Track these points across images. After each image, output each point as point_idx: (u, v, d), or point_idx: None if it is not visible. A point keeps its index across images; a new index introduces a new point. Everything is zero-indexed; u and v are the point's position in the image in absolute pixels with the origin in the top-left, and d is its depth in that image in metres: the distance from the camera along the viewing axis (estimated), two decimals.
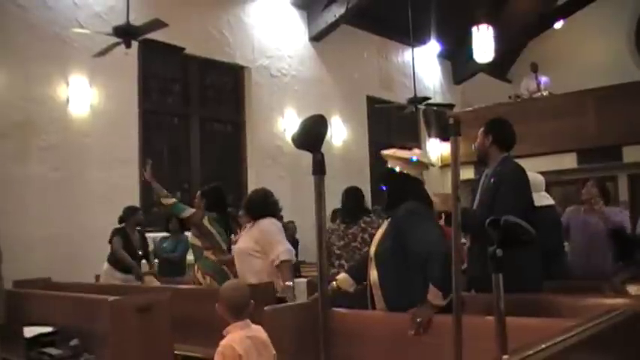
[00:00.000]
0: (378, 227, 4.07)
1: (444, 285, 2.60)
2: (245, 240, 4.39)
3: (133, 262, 6.17)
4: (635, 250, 4.28)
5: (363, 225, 4.69)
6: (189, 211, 4.88)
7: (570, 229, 4.80)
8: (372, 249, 3.07)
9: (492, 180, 3.30)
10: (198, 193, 5.11)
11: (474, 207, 3.40)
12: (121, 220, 6.32)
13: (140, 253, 6.38)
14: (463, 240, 3.41)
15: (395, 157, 3.00)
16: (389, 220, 3.05)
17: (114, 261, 6.18)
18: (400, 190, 2.98)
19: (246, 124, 9.33)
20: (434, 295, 2.66)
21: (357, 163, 10.50)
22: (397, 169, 2.98)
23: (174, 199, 5.02)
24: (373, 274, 2.99)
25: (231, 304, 2.61)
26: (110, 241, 6.22)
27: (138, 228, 6.50)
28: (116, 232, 6.24)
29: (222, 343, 2.54)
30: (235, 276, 4.43)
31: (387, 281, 2.91)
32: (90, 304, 3.99)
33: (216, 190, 5.10)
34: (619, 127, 9.70)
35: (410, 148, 3.14)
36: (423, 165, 3.03)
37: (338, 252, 4.64)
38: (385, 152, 3.07)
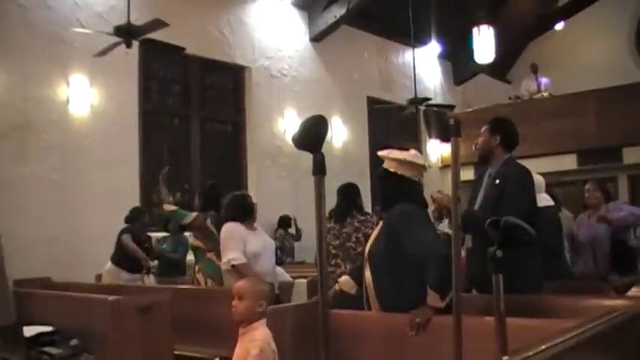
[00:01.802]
0: (372, 227, 4.07)
1: (441, 286, 2.61)
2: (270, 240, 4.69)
3: (145, 255, 6.23)
4: (636, 261, 4.28)
5: (357, 224, 4.65)
6: (190, 217, 4.89)
7: (579, 236, 4.83)
8: (367, 249, 3.07)
9: (496, 180, 3.29)
10: (196, 196, 5.14)
11: (476, 207, 3.39)
12: (127, 220, 6.33)
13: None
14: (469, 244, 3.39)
15: (390, 157, 2.99)
16: (383, 220, 3.05)
17: (119, 260, 6.18)
18: (395, 191, 2.97)
19: (247, 125, 9.34)
20: (432, 298, 2.67)
21: (357, 164, 10.50)
22: (392, 169, 2.98)
23: (174, 207, 5.02)
24: (367, 274, 2.99)
25: (269, 301, 2.64)
26: (118, 240, 6.23)
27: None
28: (125, 231, 6.27)
29: (259, 337, 2.47)
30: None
31: (381, 282, 2.91)
32: (90, 304, 3.98)
33: (212, 189, 5.10)
34: (619, 128, 9.71)
35: (407, 149, 3.13)
36: (419, 166, 3.01)
37: (334, 251, 4.60)
38: (381, 153, 3.07)
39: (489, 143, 3.41)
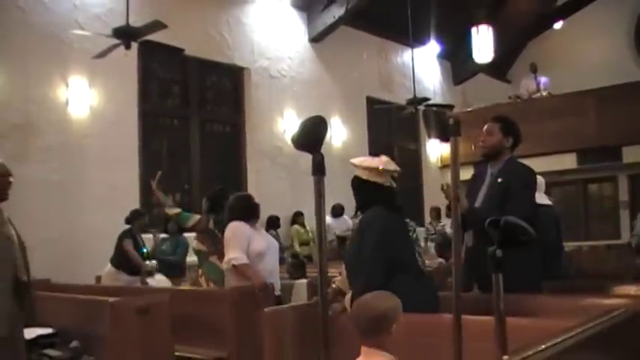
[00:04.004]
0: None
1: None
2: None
3: (144, 262, 6.20)
4: None
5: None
6: (193, 220, 4.89)
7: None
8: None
9: (499, 179, 3.29)
10: (204, 199, 5.10)
11: (476, 205, 3.38)
12: (127, 221, 6.30)
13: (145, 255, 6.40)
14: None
15: (362, 166, 3.07)
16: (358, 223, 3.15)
17: (119, 263, 6.15)
18: (367, 198, 3.06)
19: (246, 125, 9.33)
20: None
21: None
22: (365, 177, 3.03)
23: (178, 209, 5.03)
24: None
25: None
26: (119, 244, 6.19)
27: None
28: (125, 235, 6.22)
29: None
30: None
31: (353, 284, 2.98)
32: (90, 306, 3.98)
33: (221, 193, 5.07)
34: (619, 127, 9.70)
35: (378, 155, 3.18)
36: (389, 172, 3.07)
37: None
38: (353, 161, 3.14)
39: (502, 144, 3.37)
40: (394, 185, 3.11)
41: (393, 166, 3.08)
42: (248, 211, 4.45)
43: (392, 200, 3.07)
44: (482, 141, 3.41)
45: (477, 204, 3.37)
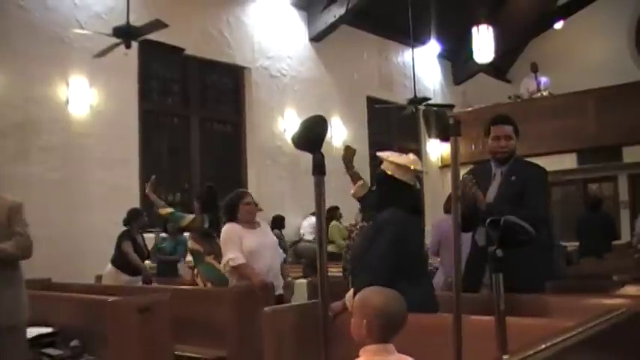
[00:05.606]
0: None
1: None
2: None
3: (144, 265, 6.18)
4: None
5: None
6: (187, 219, 4.88)
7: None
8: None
9: (513, 178, 3.29)
10: (195, 199, 5.10)
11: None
12: (125, 222, 6.29)
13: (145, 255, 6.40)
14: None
15: (388, 160, 2.98)
16: (371, 222, 3.06)
17: (120, 264, 6.14)
18: (389, 194, 2.96)
19: (246, 125, 9.33)
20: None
21: (357, 164, 10.38)
22: (390, 172, 2.96)
23: (170, 209, 5.02)
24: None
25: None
26: (118, 245, 6.17)
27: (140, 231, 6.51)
28: (124, 236, 6.20)
29: None
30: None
31: (355, 281, 2.94)
32: (90, 305, 3.99)
33: (209, 191, 5.07)
34: (619, 127, 9.72)
35: (407, 152, 3.13)
36: (415, 171, 2.99)
37: None
38: (380, 154, 3.06)
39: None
40: (419, 186, 3.04)
41: (419, 166, 3.00)
42: (231, 211, 4.44)
43: (414, 201, 3.01)
44: (503, 146, 3.36)
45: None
